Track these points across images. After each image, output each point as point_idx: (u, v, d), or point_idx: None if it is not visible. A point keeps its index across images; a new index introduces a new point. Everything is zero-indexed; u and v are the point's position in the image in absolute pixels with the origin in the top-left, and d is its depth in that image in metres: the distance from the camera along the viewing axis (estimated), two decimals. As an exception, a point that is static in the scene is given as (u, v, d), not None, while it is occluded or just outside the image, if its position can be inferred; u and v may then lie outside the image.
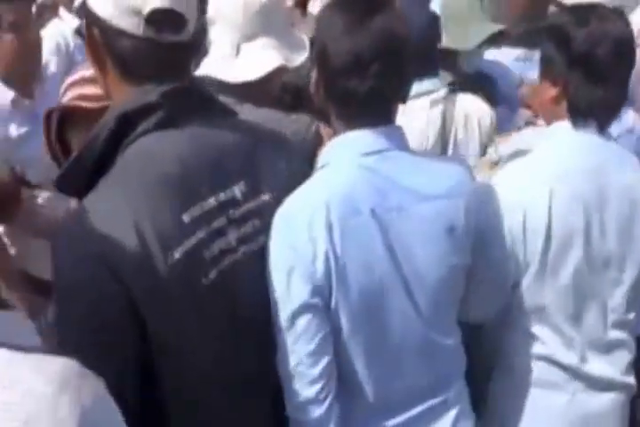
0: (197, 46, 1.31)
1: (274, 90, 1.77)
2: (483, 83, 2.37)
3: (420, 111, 2.07)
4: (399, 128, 1.38)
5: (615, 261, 1.55)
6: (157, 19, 1.14)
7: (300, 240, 1.26)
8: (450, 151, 2.13)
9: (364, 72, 1.27)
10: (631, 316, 1.59)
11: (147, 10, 1.14)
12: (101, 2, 1.17)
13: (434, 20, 2.20)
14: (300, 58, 1.83)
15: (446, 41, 2.25)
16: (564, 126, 1.56)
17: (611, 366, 1.60)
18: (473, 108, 2.16)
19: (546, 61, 1.58)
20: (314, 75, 1.37)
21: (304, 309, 1.26)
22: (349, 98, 1.31)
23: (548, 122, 1.63)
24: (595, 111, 1.53)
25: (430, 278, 1.35)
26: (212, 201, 1.21)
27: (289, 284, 1.26)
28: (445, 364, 1.43)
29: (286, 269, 1.26)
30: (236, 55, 1.77)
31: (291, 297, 1.26)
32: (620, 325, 1.58)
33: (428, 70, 2.08)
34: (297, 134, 1.76)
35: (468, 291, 1.46)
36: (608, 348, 1.60)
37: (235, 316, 1.22)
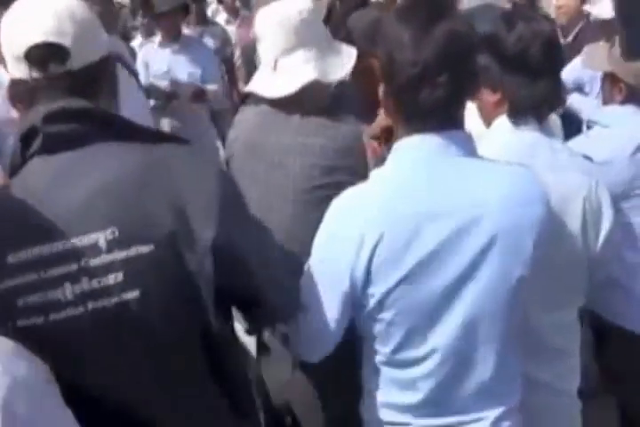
0: (98, 70, 1.24)
1: (310, 102, 1.77)
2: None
3: None
4: (466, 133, 1.35)
5: None
6: (36, 56, 1.16)
7: (347, 243, 1.29)
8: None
9: (433, 81, 1.25)
10: None
11: (22, 52, 1.16)
12: (7, 60, 1.22)
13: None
14: (341, 71, 1.82)
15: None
16: (504, 124, 1.61)
17: None
18: None
19: (483, 70, 1.58)
20: (381, 87, 1.35)
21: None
22: (419, 108, 1.29)
23: (489, 125, 1.67)
24: (534, 109, 1.58)
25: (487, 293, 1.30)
26: (58, 245, 1.12)
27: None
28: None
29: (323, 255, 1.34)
30: (273, 70, 1.80)
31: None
32: None
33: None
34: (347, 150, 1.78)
35: None
36: None
37: (68, 366, 1.11)
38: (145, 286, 1.13)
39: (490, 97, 1.62)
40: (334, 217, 1.34)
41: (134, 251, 1.13)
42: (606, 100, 2.13)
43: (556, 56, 1.58)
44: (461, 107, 1.34)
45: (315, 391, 1.66)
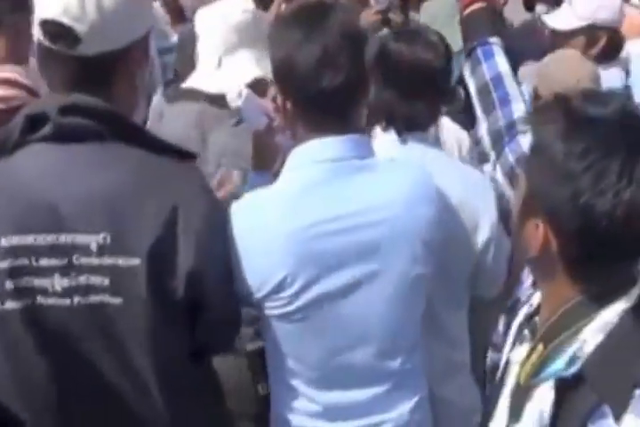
0: (111, 63, 1.20)
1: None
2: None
3: None
4: (363, 136, 1.38)
5: None
6: (49, 29, 1.16)
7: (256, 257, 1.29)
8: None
9: (335, 64, 1.27)
10: None
11: (39, 20, 1.17)
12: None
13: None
14: None
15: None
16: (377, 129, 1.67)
17: None
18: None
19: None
20: (276, 93, 1.35)
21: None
22: (322, 97, 1.29)
23: None
24: (391, 118, 1.62)
25: (388, 292, 1.33)
26: (52, 237, 1.15)
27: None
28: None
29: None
30: (217, 67, 1.87)
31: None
32: None
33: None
34: None
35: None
36: None
37: (49, 353, 1.18)
38: (128, 296, 1.17)
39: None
40: (235, 226, 1.31)
41: (122, 261, 1.15)
42: None
43: (422, 79, 1.61)
44: (358, 107, 1.36)
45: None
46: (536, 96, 2.09)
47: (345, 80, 1.28)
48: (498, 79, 1.59)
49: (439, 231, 1.37)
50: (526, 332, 1.04)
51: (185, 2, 4.29)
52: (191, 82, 1.92)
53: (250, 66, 1.87)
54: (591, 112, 0.88)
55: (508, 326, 1.13)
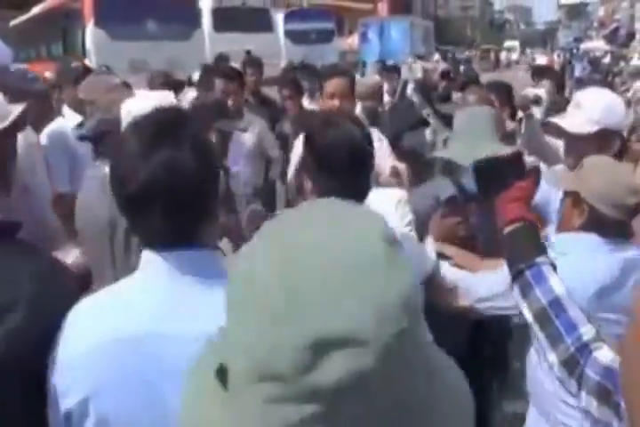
0: None
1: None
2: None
3: None
4: (207, 252, 1.23)
5: None
6: None
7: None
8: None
9: (145, 209, 1.16)
10: None
11: None
12: None
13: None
14: None
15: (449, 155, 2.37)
16: None
17: None
18: None
19: (303, 159, 1.74)
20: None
21: None
22: (137, 229, 1.22)
23: None
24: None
25: None
26: None
27: None
28: None
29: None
30: None
31: None
32: None
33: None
34: None
35: None
36: None
37: None
38: None
39: (307, 184, 1.72)
40: (67, 333, 1.19)
41: None
42: (564, 224, 1.94)
43: (359, 160, 1.67)
44: (203, 222, 1.22)
45: None
46: (575, 206, 1.89)
47: (159, 225, 1.17)
48: (557, 305, 1.58)
49: None
50: None
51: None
52: None
53: None
54: None
55: None
